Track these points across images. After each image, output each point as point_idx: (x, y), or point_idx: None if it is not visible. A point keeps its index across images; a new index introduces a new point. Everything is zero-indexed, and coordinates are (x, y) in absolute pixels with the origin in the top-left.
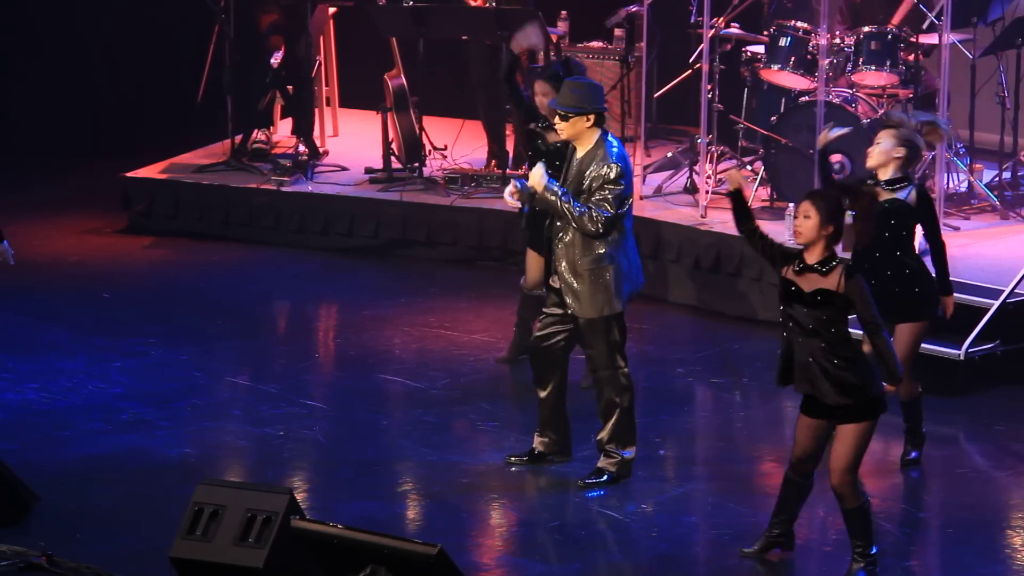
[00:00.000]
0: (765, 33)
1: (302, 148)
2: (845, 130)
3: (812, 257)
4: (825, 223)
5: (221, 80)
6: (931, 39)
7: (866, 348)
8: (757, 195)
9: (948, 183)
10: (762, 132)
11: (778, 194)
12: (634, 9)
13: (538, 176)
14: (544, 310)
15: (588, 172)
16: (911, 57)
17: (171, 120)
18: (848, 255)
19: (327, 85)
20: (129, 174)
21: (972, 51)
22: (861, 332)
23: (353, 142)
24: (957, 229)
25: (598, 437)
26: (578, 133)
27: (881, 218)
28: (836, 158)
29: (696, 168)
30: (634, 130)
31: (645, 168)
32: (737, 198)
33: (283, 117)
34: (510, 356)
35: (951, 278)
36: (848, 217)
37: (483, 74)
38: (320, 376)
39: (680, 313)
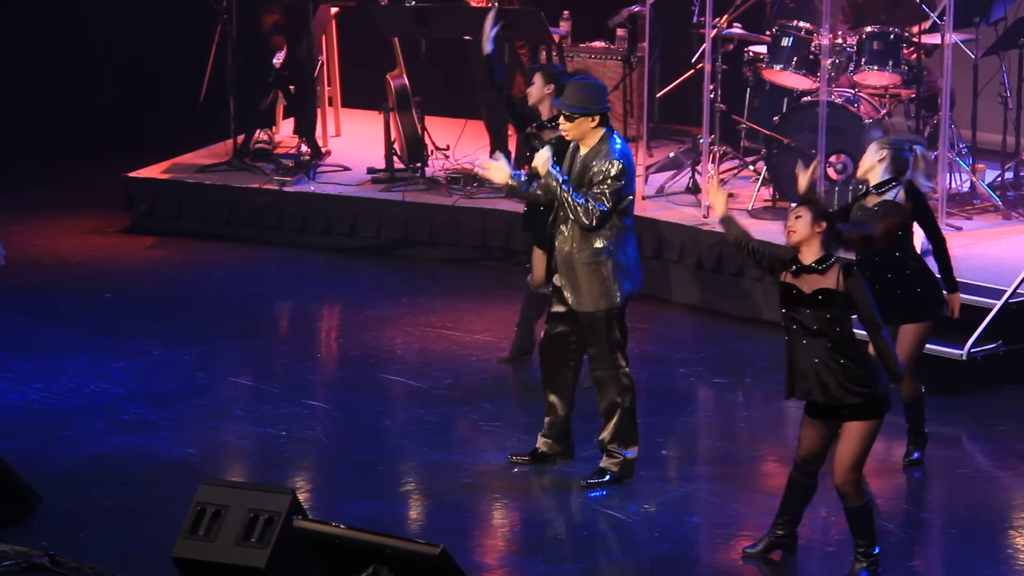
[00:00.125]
0: (767, 33)
1: (304, 148)
2: (813, 166)
3: (808, 257)
4: (817, 219)
5: (224, 80)
6: (933, 39)
7: (869, 349)
8: (759, 195)
9: (950, 183)
10: (764, 132)
11: (780, 194)
12: (636, 9)
13: (543, 159)
14: (550, 310)
15: (591, 166)
16: (913, 57)
17: (174, 120)
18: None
19: (329, 85)
20: (131, 174)
21: (974, 51)
22: (863, 332)
23: (355, 142)
24: (959, 229)
25: (600, 437)
26: (583, 133)
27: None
28: (838, 158)
29: (698, 168)
30: (636, 130)
31: (647, 168)
32: (727, 224)
33: (285, 117)
34: (512, 356)
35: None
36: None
37: (485, 74)
38: (322, 376)
39: (682, 313)
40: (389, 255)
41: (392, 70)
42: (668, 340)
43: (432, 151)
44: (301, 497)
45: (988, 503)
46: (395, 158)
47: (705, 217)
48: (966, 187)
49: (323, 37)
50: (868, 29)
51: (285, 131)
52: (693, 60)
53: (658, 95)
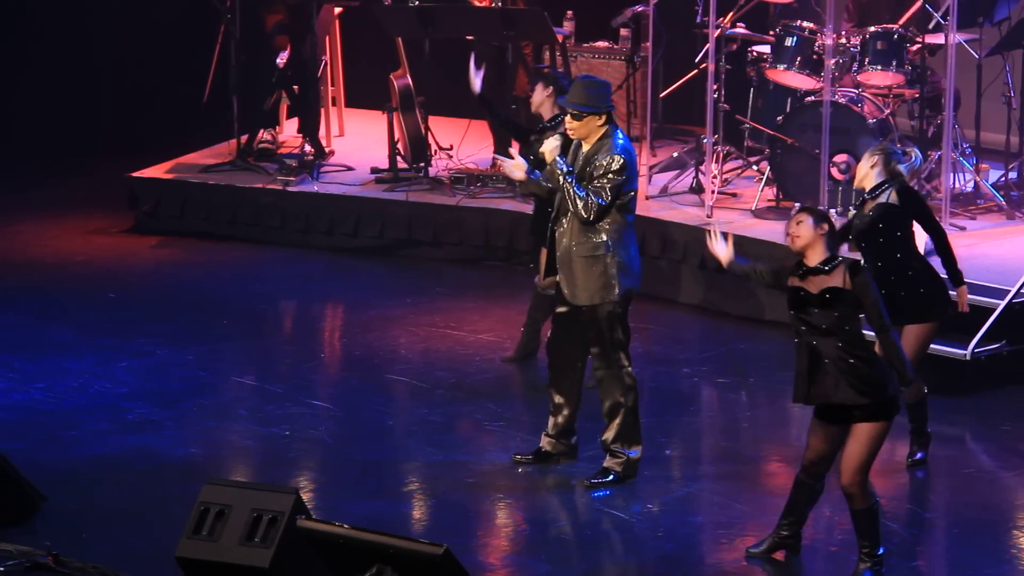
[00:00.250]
0: (771, 33)
1: (308, 148)
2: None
3: (813, 259)
4: (819, 222)
5: (227, 80)
6: (937, 39)
7: (878, 351)
8: (763, 195)
9: (954, 183)
10: (768, 132)
11: (784, 194)
12: (640, 9)
13: (551, 147)
14: (555, 312)
15: (593, 160)
16: (917, 57)
17: (177, 120)
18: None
19: (333, 85)
20: (135, 174)
21: (978, 51)
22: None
23: (359, 142)
24: (963, 229)
25: (603, 437)
26: (589, 131)
27: (871, 225)
28: (841, 158)
29: (702, 168)
30: (640, 130)
31: (651, 168)
32: (733, 268)
33: (289, 117)
34: (516, 356)
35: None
36: None
37: (489, 74)
38: (326, 376)
39: (686, 313)
40: (393, 255)
41: (396, 70)
42: (672, 340)
43: (436, 151)
44: (305, 497)
45: (991, 503)
46: (399, 158)
47: (708, 217)
48: (970, 187)
49: (327, 37)
50: (872, 29)
51: (289, 131)
52: (697, 60)
53: (662, 95)
